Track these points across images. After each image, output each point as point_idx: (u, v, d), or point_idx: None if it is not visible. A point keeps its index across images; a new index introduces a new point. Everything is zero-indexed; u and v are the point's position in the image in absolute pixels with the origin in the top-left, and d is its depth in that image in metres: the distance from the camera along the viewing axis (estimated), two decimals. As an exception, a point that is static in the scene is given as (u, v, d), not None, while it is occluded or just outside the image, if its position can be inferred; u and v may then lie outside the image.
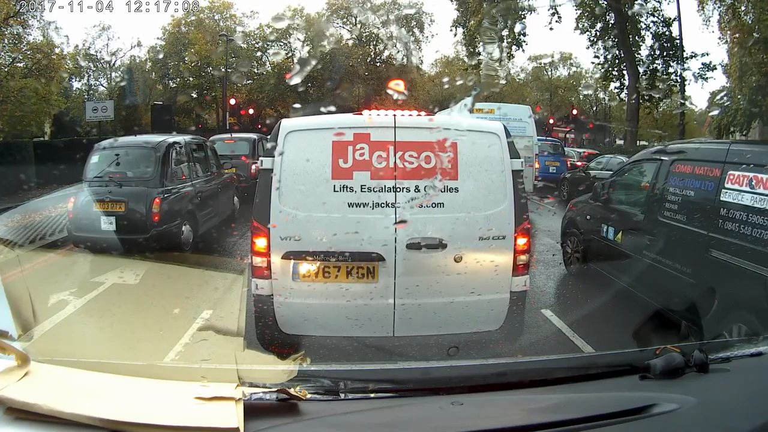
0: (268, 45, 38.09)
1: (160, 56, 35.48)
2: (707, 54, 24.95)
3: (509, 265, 3.94)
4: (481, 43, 25.95)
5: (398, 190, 3.78)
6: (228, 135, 15.84)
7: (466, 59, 29.70)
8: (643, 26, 24.42)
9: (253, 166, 12.10)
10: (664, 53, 24.16)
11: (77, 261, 7.67)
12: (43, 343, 2.34)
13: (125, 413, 1.24)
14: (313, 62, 32.06)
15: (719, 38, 25.02)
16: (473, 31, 25.90)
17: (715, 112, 22.62)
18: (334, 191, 3.78)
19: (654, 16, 24.16)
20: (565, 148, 23.51)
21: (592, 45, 26.15)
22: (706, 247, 4.50)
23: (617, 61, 25.35)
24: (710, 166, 4.71)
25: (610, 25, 24.82)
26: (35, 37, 25.36)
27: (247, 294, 4.18)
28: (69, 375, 1.45)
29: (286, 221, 3.79)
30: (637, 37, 24.30)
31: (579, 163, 19.81)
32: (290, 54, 37.70)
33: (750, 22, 19.62)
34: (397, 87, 5.90)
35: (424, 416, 1.45)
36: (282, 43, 38.31)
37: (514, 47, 26.75)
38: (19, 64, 23.85)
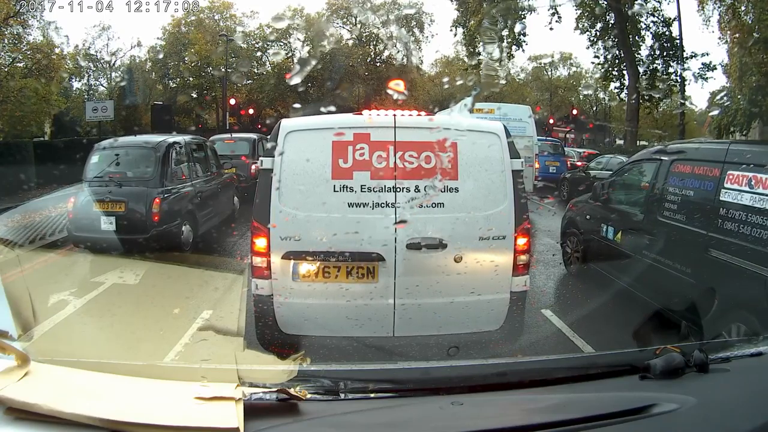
0: (268, 45, 38.09)
1: (160, 56, 35.48)
2: (707, 54, 25.03)
3: (509, 265, 3.94)
4: (481, 43, 25.96)
5: (398, 190, 3.77)
6: (228, 135, 15.82)
7: (466, 59, 29.72)
8: (643, 26, 24.46)
9: (253, 166, 12.08)
10: (664, 53, 24.17)
11: (77, 261, 7.67)
12: (43, 343, 2.34)
13: (125, 413, 1.24)
14: (313, 62, 32.05)
15: (719, 38, 25.09)
16: (473, 31, 25.89)
17: (715, 112, 22.60)
18: (334, 191, 3.78)
19: (654, 16, 24.21)
20: (565, 148, 23.50)
21: (592, 45, 26.20)
22: (706, 247, 4.51)
23: (617, 61, 25.35)
24: (710, 166, 4.72)
25: (610, 25, 24.82)
26: (35, 37, 25.45)
27: (247, 294, 4.18)
28: (69, 375, 1.44)
29: (286, 221, 3.79)
30: (637, 37, 24.30)
31: (579, 163, 19.82)
32: (290, 54, 37.74)
33: (750, 22, 19.61)
34: (397, 87, 5.88)
35: (424, 416, 1.45)
36: (282, 43, 38.33)
37: (514, 47, 26.81)
38: (19, 64, 23.85)
